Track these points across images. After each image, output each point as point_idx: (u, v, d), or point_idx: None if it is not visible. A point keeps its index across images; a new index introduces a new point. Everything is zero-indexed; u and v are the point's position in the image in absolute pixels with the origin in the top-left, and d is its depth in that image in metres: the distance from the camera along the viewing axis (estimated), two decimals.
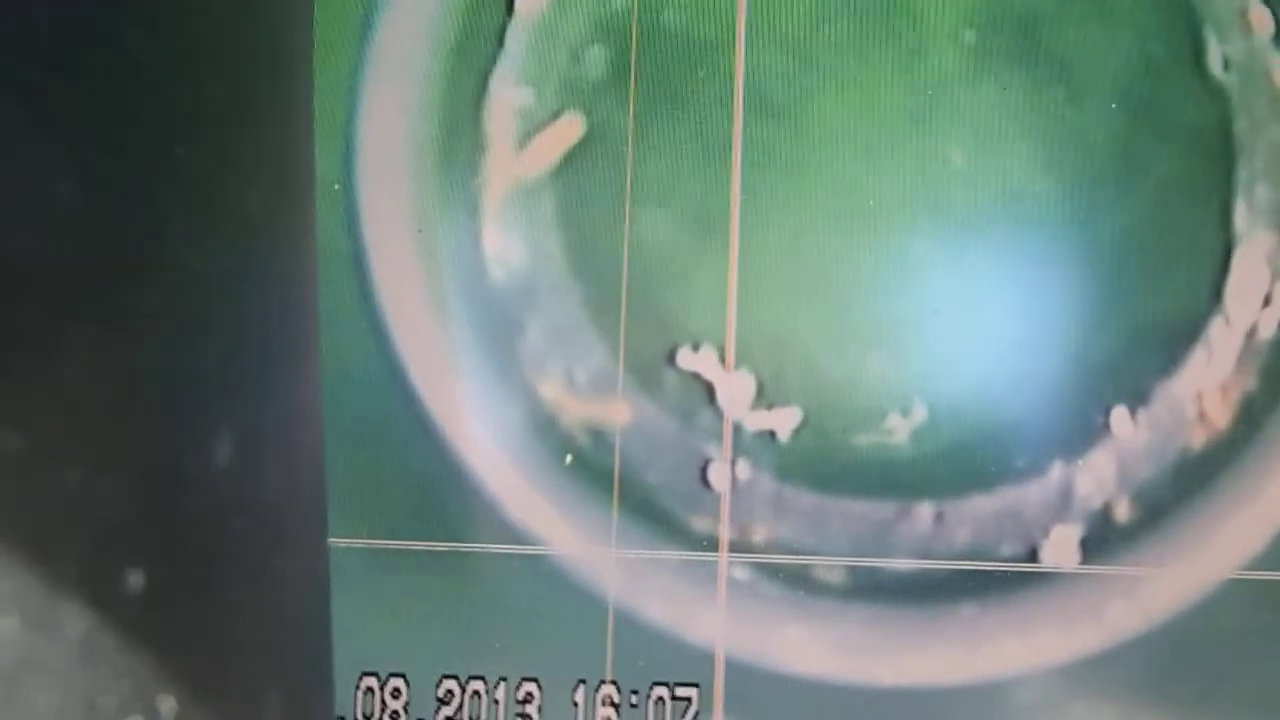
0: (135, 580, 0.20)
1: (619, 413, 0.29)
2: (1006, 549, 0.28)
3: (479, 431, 0.30)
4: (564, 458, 0.30)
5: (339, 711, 0.32)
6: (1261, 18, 0.28)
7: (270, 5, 0.25)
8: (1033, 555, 0.28)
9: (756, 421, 0.28)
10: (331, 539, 0.30)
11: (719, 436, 0.29)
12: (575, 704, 0.31)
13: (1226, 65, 0.28)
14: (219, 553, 0.22)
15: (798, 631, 0.28)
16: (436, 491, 0.31)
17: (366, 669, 0.32)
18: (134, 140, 0.21)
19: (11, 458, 0.18)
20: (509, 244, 0.29)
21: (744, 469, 0.28)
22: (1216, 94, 0.28)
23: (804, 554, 0.28)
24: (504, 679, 0.31)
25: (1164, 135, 0.28)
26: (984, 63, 0.29)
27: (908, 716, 0.28)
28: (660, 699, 0.30)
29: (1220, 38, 0.28)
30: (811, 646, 0.28)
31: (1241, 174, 0.28)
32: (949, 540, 0.28)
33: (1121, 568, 0.28)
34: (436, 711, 0.32)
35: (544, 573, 0.31)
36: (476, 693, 0.31)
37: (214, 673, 0.21)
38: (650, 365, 0.29)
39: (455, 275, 0.29)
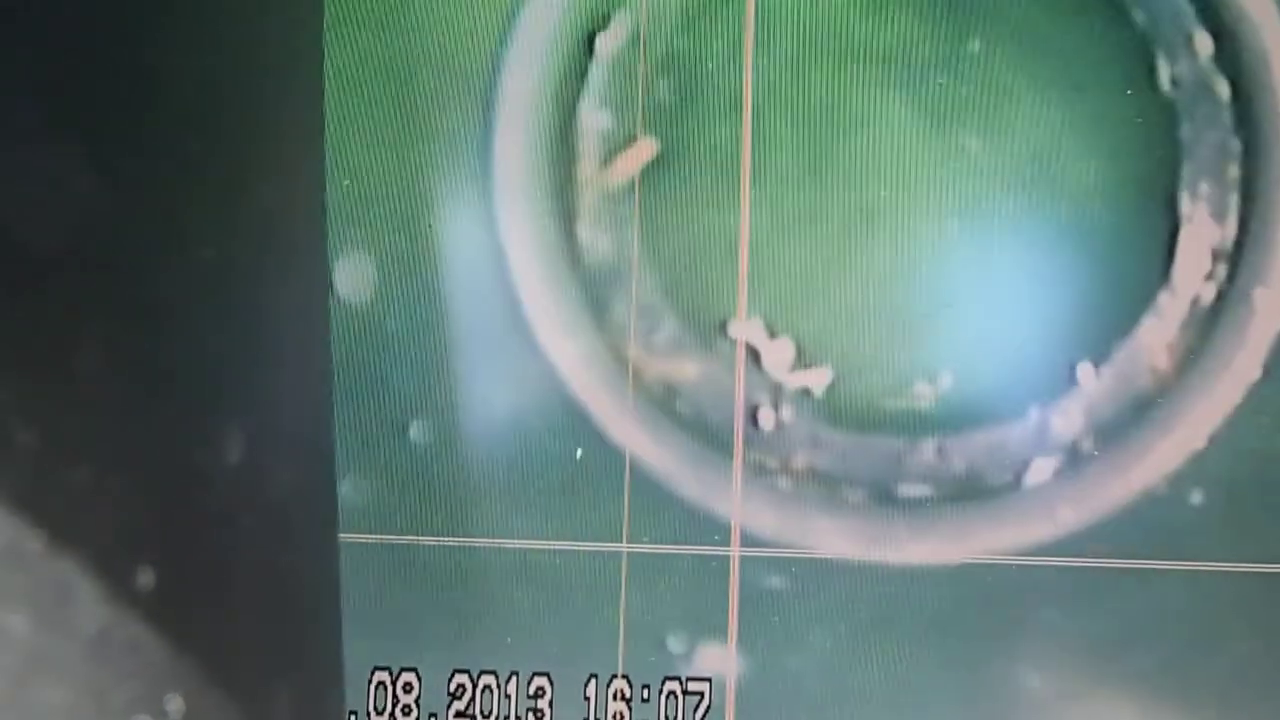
0: (146, 578, 0.19)
1: (687, 371, 0.36)
2: (995, 477, 0.35)
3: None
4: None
5: (351, 706, 0.32)
6: (1204, 41, 0.34)
7: (280, 6, 0.25)
8: (1017, 482, 0.35)
9: (795, 380, 0.35)
10: (344, 535, 0.31)
11: (766, 390, 0.35)
12: (587, 698, 0.33)
13: (1174, 82, 0.34)
14: (229, 550, 0.21)
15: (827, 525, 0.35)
16: (447, 487, 0.33)
17: (379, 664, 0.32)
18: (150, 136, 0.20)
19: (25, 454, 0.17)
20: (597, 238, 0.36)
21: (787, 413, 0.35)
22: (1165, 105, 0.34)
23: (832, 482, 0.35)
24: (515, 673, 0.32)
25: (1122, 139, 0.34)
26: (986, 70, 0.35)
27: (910, 587, 0.34)
28: (672, 694, 0.33)
29: (1168, 59, 0.34)
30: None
31: (1185, 171, 0.34)
32: (949, 469, 0.35)
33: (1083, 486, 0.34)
34: (448, 706, 0.33)
35: (556, 567, 0.33)
36: (488, 687, 0.32)
37: (223, 670, 0.20)
38: (709, 333, 0.35)
39: (555, 262, 0.36)
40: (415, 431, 0.34)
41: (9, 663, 0.17)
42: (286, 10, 0.25)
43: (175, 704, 0.20)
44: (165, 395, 0.20)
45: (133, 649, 0.19)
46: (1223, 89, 0.34)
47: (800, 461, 0.35)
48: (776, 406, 0.35)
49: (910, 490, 0.35)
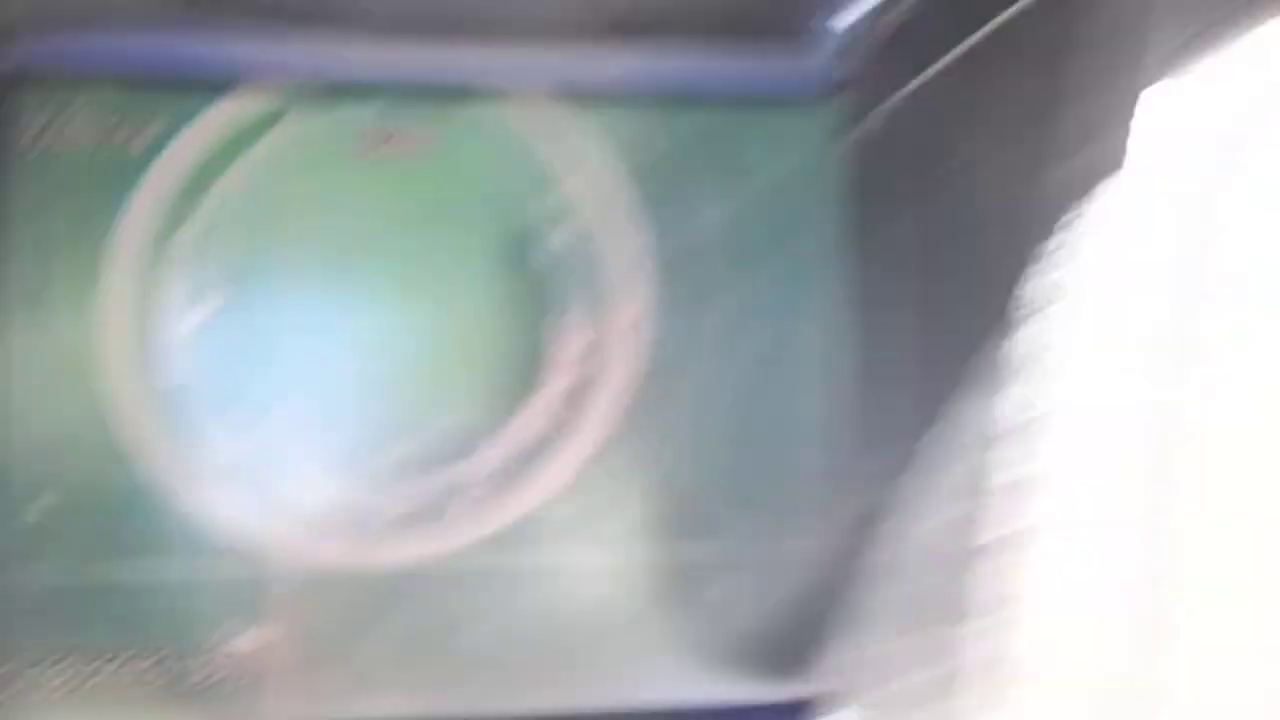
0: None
1: None
2: (428, 509, 0.48)
3: None
4: None
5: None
6: (565, 229, 0.50)
7: None
8: (442, 512, 0.48)
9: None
10: None
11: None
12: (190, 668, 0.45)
13: (551, 248, 0.50)
14: None
15: None
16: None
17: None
18: None
19: None
20: None
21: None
22: (545, 265, 0.49)
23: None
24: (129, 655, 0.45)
25: (511, 285, 0.49)
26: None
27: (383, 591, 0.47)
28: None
29: (549, 226, 0.50)
30: None
31: (557, 298, 0.49)
32: (395, 506, 0.48)
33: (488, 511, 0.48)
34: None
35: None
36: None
37: None
38: None
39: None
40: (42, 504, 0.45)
41: None
42: None
43: None
44: None
45: None
46: (580, 247, 0.50)
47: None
48: None
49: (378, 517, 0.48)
